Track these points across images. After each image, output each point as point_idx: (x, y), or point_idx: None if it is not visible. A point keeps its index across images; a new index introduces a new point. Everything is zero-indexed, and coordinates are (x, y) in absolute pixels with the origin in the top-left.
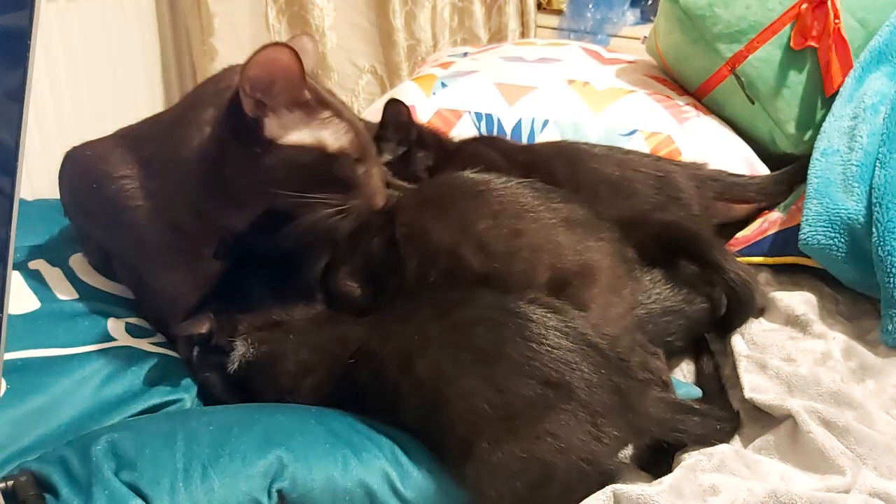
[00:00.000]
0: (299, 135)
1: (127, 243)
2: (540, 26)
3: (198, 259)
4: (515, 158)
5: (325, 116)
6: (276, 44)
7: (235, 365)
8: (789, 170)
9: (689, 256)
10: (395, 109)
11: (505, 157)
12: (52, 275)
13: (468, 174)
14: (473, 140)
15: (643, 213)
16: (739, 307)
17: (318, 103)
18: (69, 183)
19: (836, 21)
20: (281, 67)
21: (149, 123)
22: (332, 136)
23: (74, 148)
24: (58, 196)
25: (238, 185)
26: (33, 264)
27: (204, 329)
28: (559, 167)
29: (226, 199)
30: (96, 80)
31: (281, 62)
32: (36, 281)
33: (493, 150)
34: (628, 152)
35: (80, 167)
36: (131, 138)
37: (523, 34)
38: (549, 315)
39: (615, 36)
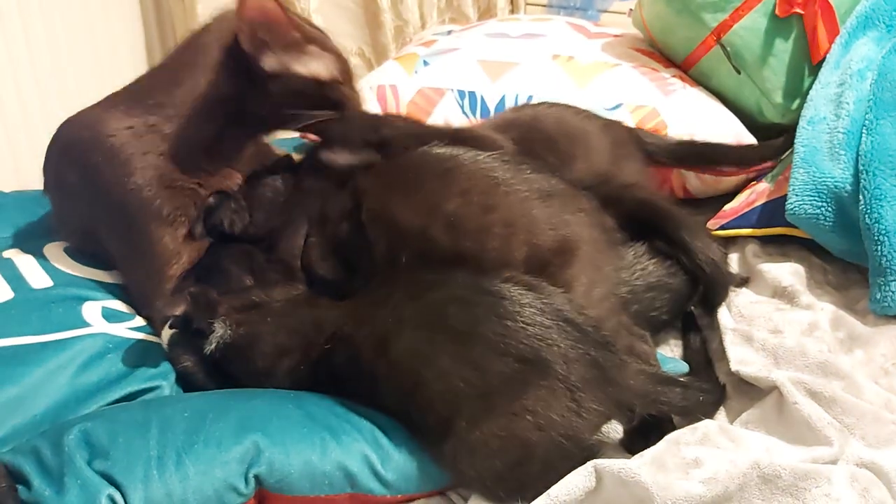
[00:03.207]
0: (295, 67)
1: (125, 199)
2: (529, 3)
3: (192, 208)
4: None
5: (314, 51)
6: None
7: (213, 346)
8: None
9: (659, 236)
10: None
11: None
12: (26, 264)
13: (434, 150)
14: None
15: (618, 189)
16: (711, 288)
17: (306, 40)
18: (60, 151)
19: None
20: (268, 13)
21: (148, 76)
22: (322, 67)
23: (67, 119)
24: (36, 188)
25: (254, 115)
26: (7, 254)
27: (179, 311)
28: (549, 126)
29: (243, 130)
30: (81, 70)
31: (267, 9)
32: (9, 270)
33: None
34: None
35: (76, 129)
36: (130, 93)
37: (513, 12)
38: (524, 292)
39: (605, 11)
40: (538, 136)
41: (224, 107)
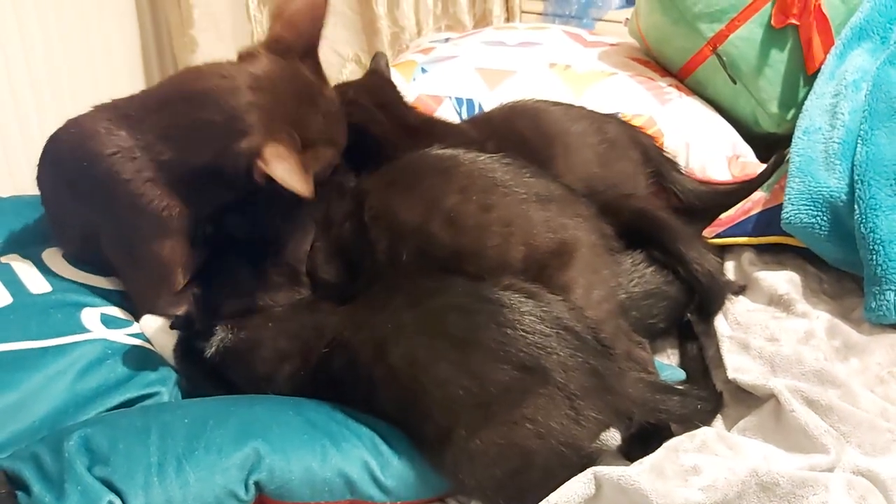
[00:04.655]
0: (290, 182)
1: (120, 215)
2: (525, 12)
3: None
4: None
5: (315, 159)
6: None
7: (213, 349)
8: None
9: (655, 246)
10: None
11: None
12: (25, 269)
13: (435, 151)
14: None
15: (616, 199)
16: (706, 298)
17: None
18: (53, 162)
19: None
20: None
21: (143, 105)
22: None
23: (59, 129)
24: (33, 193)
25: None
26: (5, 259)
27: (180, 311)
28: (524, 124)
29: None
30: (77, 73)
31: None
32: (7, 276)
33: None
34: (563, 104)
35: (67, 145)
36: (122, 114)
37: (508, 20)
38: (523, 300)
39: (600, 20)
40: (510, 136)
41: (210, 177)
